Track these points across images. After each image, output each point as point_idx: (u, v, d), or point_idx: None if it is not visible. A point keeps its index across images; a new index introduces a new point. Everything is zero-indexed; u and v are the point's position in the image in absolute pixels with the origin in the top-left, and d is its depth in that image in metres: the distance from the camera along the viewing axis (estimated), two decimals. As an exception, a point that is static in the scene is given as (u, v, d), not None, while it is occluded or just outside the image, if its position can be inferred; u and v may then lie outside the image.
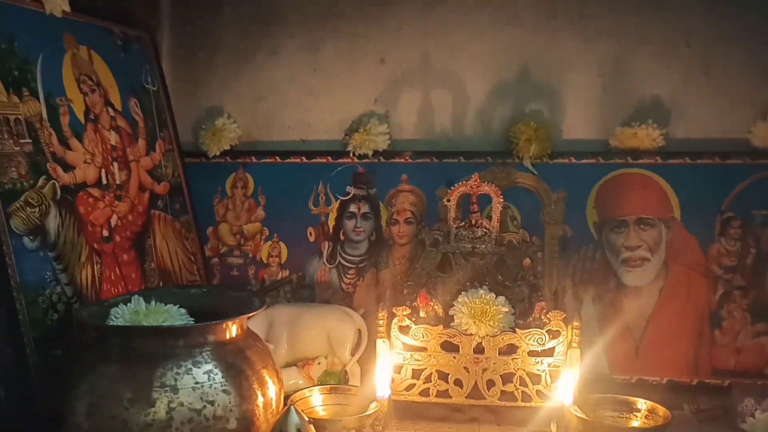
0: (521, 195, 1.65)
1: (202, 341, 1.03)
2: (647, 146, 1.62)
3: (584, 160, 1.64)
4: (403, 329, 1.35)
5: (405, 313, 1.35)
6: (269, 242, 1.74)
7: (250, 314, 1.09)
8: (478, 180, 1.49)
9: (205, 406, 0.99)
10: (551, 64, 1.69)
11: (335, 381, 1.46)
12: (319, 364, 1.48)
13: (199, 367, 1.01)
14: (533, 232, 1.62)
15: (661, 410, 1.19)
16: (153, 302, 1.13)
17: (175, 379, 0.99)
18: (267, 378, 1.09)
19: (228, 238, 1.75)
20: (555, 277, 1.62)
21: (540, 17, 1.68)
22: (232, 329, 1.07)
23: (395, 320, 1.35)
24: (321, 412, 1.26)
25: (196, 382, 1.00)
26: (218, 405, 1.00)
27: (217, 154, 1.74)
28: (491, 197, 1.49)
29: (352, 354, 1.48)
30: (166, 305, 1.12)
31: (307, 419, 1.01)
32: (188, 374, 1.00)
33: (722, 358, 1.56)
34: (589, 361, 1.56)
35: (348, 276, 1.71)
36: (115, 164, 1.37)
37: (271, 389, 1.09)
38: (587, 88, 1.68)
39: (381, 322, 1.35)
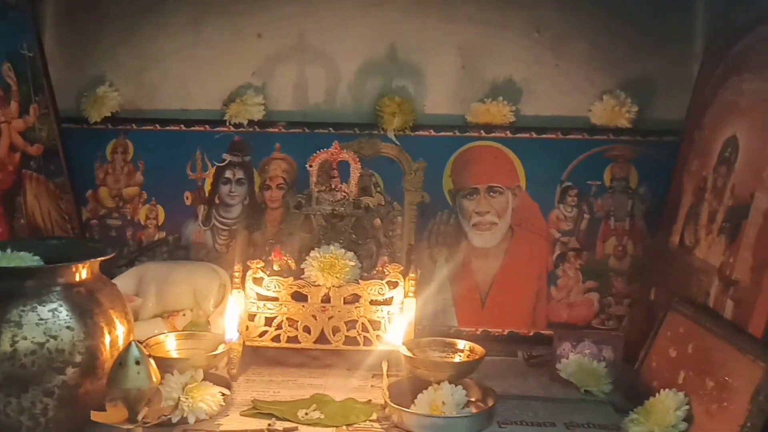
0: (385, 164, 1.79)
1: (49, 282, 1.12)
2: (499, 121, 1.77)
3: (443, 133, 1.78)
4: (257, 281, 1.46)
5: (259, 266, 1.46)
6: (147, 205, 1.82)
7: (98, 259, 1.18)
8: (338, 147, 1.60)
9: (48, 340, 1.08)
10: (417, 45, 1.82)
11: (200, 330, 1.56)
12: (184, 315, 1.58)
13: (44, 306, 1.10)
14: (395, 198, 1.77)
15: (478, 349, 1.34)
16: (8, 250, 1.21)
17: (20, 316, 1.07)
18: (115, 318, 1.18)
19: (107, 201, 1.82)
20: (413, 239, 1.76)
21: (408, 1, 1.81)
22: (81, 272, 1.16)
23: (250, 273, 1.46)
24: (175, 354, 1.37)
25: (40, 319, 1.09)
26: (62, 340, 1.09)
27: (98, 120, 1.80)
28: (350, 164, 1.61)
29: (216, 306, 1.59)
30: (21, 253, 1.20)
31: (147, 354, 1.11)
32: (33, 311, 1.09)
33: (557, 311, 1.73)
34: (441, 315, 1.73)
35: (222, 237, 1.81)
36: (-16, 123, 1.43)
37: (119, 329, 1.19)
38: (448, 67, 1.82)
39: (237, 274, 1.45)
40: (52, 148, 1.67)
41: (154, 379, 1.10)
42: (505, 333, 1.73)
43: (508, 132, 1.77)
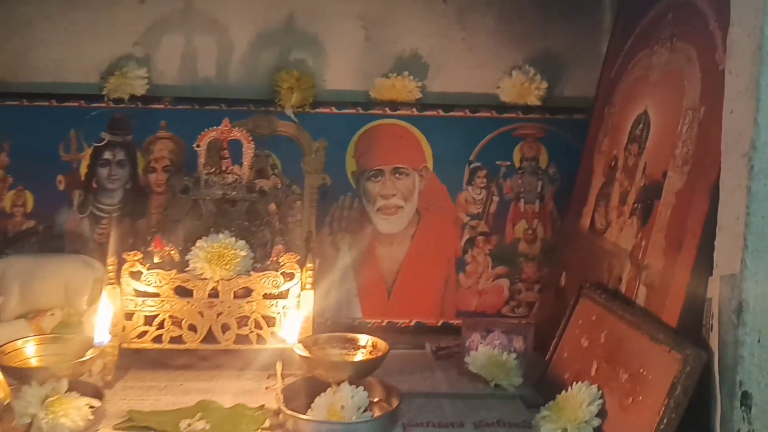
0: (283, 144, 1.65)
1: None
2: (404, 98, 1.66)
3: (345, 110, 1.66)
4: (135, 275, 1.30)
5: (136, 258, 1.30)
6: (13, 191, 1.62)
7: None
8: (229, 125, 1.46)
9: None
10: (317, 15, 1.69)
11: (71, 332, 1.38)
12: (52, 315, 1.40)
13: None
14: (294, 180, 1.63)
15: (381, 345, 1.23)
16: None
17: None
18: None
19: (-34, 187, 1.61)
20: (313, 225, 1.63)
21: (307, -34, 1.67)
22: None
23: (126, 265, 1.30)
24: (35, 362, 1.19)
25: None
26: None
27: (-47, 95, 1.59)
28: (243, 143, 1.46)
29: (90, 304, 1.42)
30: None
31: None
32: None
33: (466, 299, 1.65)
34: (345, 307, 1.61)
35: (101, 226, 1.63)
36: None
37: (-41, 336, 1.01)
38: (351, 39, 1.70)
39: (110, 267, 1.29)
40: None
41: (1, 395, 0.94)
42: (412, 324, 1.64)
43: (414, 109, 1.67)
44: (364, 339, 1.26)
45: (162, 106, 1.64)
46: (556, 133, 1.67)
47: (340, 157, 1.66)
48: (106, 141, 1.63)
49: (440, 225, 1.65)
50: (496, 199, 1.66)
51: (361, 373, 1.18)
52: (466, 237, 1.65)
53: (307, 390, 1.20)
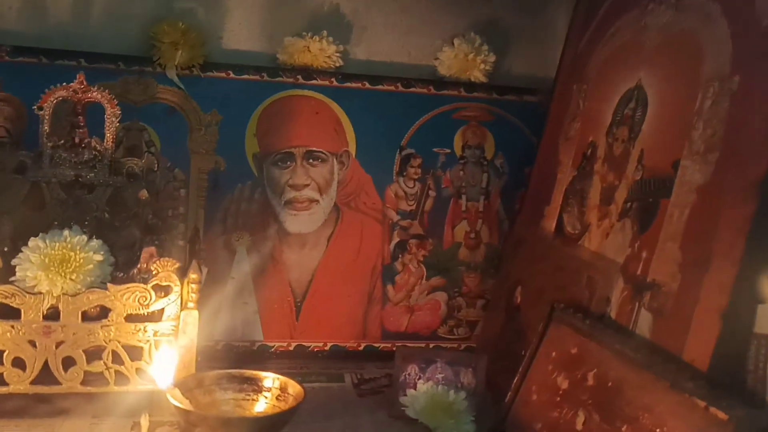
0: (163, 115, 1.27)
1: None
2: (321, 64, 1.33)
3: (245, 76, 1.31)
4: (-71, 286, 0.90)
5: (-66, 263, 0.90)
6: None
7: None
8: (85, 82, 1.07)
9: None
10: (212, -48, 1.32)
11: None
12: None
13: None
14: (177, 163, 1.25)
15: (293, 387, 0.90)
16: None
17: None
18: None
19: None
20: (201, 222, 1.27)
21: None
22: None
23: None
24: None
25: None
26: None
27: None
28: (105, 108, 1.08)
29: None
30: None
31: None
32: None
33: (394, 317, 1.34)
34: (241, 328, 1.26)
35: None
36: None
37: None
38: (257, -12, 1.34)
39: None
40: None
41: None
42: (327, 348, 1.30)
43: (333, 79, 1.33)
44: (269, 379, 0.92)
45: (-4, 58, 1.22)
46: (504, 117, 1.38)
47: (238, 135, 1.30)
48: None
49: (364, 224, 1.33)
50: (432, 194, 1.35)
51: None
52: (395, 240, 1.34)
53: (184, 454, 0.84)
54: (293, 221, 1.30)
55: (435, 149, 1.36)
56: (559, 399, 0.92)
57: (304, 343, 1.29)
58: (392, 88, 1.35)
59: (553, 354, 0.97)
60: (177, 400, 0.83)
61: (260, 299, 1.28)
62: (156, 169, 1.14)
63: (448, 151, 1.36)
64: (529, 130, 1.37)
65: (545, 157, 1.25)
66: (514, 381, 1.01)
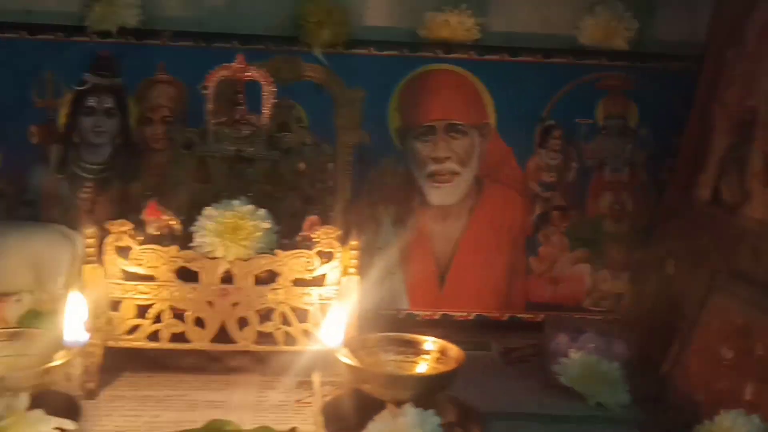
0: (310, 92, 1.33)
1: None
2: (461, 38, 1.34)
3: (387, 52, 1.34)
4: (123, 251, 0.98)
5: (124, 229, 0.98)
6: (-26, 143, 1.29)
7: None
8: (244, 62, 1.13)
9: None
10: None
11: (44, 324, 1.06)
12: (19, 301, 1.09)
13: None
14: (324, 138, 1.30)
15: (453, 350, 0.92)
16: None
17: None
18: None
19: None
20: (348, 193, 1.31)
21: None
22: None
23: (110, 239, 0.98)
24: (-14, 368, 0.88)
25: None
26: None
27: None
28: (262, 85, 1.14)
29: (68, 288, 1.10)
30: None
31: None
32: None
33: (537, 289, 1.34)
34: (386, 295, 1.30)
35: (85, 189, 1.30)
36: None
37: None
38: (395, -36, 1.36)
39: (90, 241, 0.97)
40: None
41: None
42: (472, 318, 1.32)
43: (473, 52, 1.34)
44: (429, 342, 0.95)
45: (159, 42, 1.31)
46: (648, 85, 1.35)
47: (380, 109, 1.33)
48: (90, 84, 1.29)
49: (505, 196, 1.33)
50: (574, 165, 1.34)
51: (428, 391, 0.87)
52: (537, 212, 1.34)
53: (355, 409, 0.88)
54: (436, 193, 1.33)
55: (577, 120, 1.34)
56: (723, 370, 0.90)
57: (448, 313, 1.32)
58: (532, 59, 1.35)
59: (716, 324, 0.95)
60: (348, 359, 0.88)
61: (405, 269, 1.31)
62: (309, 143, 1.19)
63: (590, 121, 1.34)
64: (674, 97, 1.32)
65: (697, 124, 1.20)
66: (672, 352, 1.00)
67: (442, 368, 0.91)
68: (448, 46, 1.34)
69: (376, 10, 1.37)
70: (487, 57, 1.34)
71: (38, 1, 1.33)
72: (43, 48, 1.29)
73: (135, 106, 1.31)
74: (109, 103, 1.30)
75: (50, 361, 0.85)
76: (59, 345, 0.87)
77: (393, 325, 1.26)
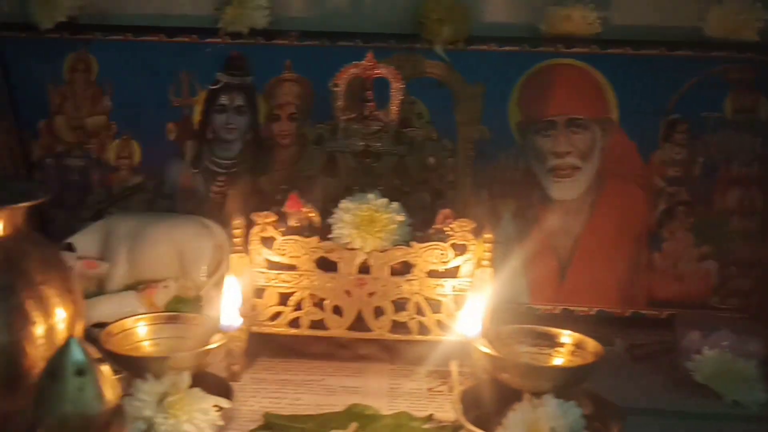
0: (431, 88, 1.35)
1: (-64, 242, 0.69)
2: (582, 32, 1.33)
3: (507, 47, 1.34)
4: (267, 241, 1.04)
5: (269, 220, 1.03)
6: (118, 140, 1.38)
7: (21, 205, 0.75)
8: (373, 60, 1.17)
9: (-69, 336, 0.66)
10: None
11: (187, 309, 1.13)
12: (166, 287, 1.16)
13: (-75, 279, 0.67)
14: (444, 133, 1.33)
15: (591, 344, 0.93)
16: None
17: None
18: (50, 299, 0.76)
19: (66, 134, 1.38)
20: (468, 188, 1.33)
21: None
22: (-8, 227, 0.73)
23: (256, 230, 1.03)
24: (149, 348, 0.95)
25: None
26: (-44, 335, 0.67)
27: (51, 27, 1.35)
28: (390, 82, 1.18)
29: (210, 276, 1.17)
30: None
31: (95, 357, 0.70)
32: None
33: (661, 285, 1.32)
34: (507, 289, 1.31)
35: (217, 183, 1.38)
36: None
37: (58, 315, 0.76)
38: (515, -41, 1.37)
39: (237, 231, 1.03)
40: (-18, 57, 1.21)
41: (108, 397, 0.69)
42: (593, 312, 1.32)
43: (595, 46, 1.33)
44: (564, 335, 0.96)
45: (286, 42, 1.36)
46: (779, 77, 1.30)
47: (500, 105, 1.34)
48: (222, 83, 1.36)
49: (628, 191, 1.32)
50: (700, 159, 1.31)
51: (567, 383, 0.88)
52: (661, 207, 1.32)
53: (491, 399, 0.90)
54: (556, 188, 1.33)
55: (702, 113, 1.31)
56: None
57: (569, 307, 1.32)
58: (656, 52, 1.32)
59: None
60: (487, 348, 0.90)
61: (526, 263, 1.32)
62: (434, 138, 1.22)
63: (717, 115, 1.31)
64: (809, 90, 1.28)
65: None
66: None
67: (579, 361, 0.91)
68: (569, 40, 1.33)
69: (496, 6, 1.38)
70: (610, 51, 1.33)
71: (174, 6, 1.40)
72: (180, 49, 1.36)
73: (264, 104, 1.37)
74: (239, 101, 1.36)
75: (207, 344, 0.91)
76: (216, 329, 0.93)
77: (513, 318, 1.28)
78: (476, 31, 1.35)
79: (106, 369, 0.71)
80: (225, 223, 1.29)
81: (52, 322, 0.76)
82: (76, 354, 0.68)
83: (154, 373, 0.85)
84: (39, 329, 0.74)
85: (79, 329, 0.80)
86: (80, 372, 0.68)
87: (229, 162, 1.37)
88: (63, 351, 0.68)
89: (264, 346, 1.11)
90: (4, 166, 1.25)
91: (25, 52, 1.36)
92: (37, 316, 0.74)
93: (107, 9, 1.40)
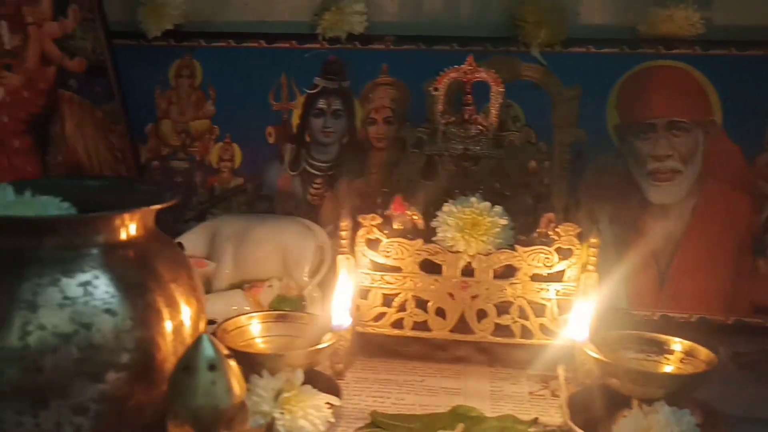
0: (527, 91, 1.35)
1: (80, 243, 0.74)
2: (684, 33, 1.30)
3: (605, 49, 1.33)
4: (372, 243, 1.06)
5: (375, 223, 1.06)
6: (220, 143, 1.44)
7: (153, 207, 0.79)
8: (474, 64, 1.18)
9: (77, 331, 0.70)
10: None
11: (290, 308, 1.17)
12: (270, 287, 1.20)
13: (71, 277, 0.71)
14: (541, 136, 1.34)
15: (703, 352, 0.92)
16: (27, 193, 0.83)
17: (35, 293, 0.69)
18: (178, 296, 0.80)
19: (171, 138, 1.45)
20: (565, 192, 1.32)
21: None
22: (129, 227, 0.78)
23: (362, 232, 1.06)
24: (261, 345, 0.98)
25: (66, 298, 0.70)
26: (98, 330, 0.71)
27: (158, 35, 1.41)
28: (489, 87, 1.18)
29: (312, 276, 1.20)
30: (43, 197, 0.82)
31: (226, 352, 0.73)
32: (54, 286, 0.70)
33: (765, 293, 1.28)
34: (605, 293, 1.29)
35: (314, 185, 1.41)
36: (3, 23, 1.05)
37: (185, 312, 0.80)
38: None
39: (343, 233, 1.05)
40: (98, 65, 1.28)
41: (237, 391, 0.72)
42: (694, 319, 1.29)
43: (697, 48, 1.30)
44: (674, 342, 0.94)
45: (382, 47, 1.38)
46: None
47: (598, 107, 1.33)
48: (320, 87, 1.40)
49: (731, 195, 1.29)
50: (809, 163, 1.27)
51: (679, 391, 0.87)
52: (766, 212, 1.28)
53: (598, 405, 0.90)
54: (655, 192, 1.31)
55: (812, 115, 1.27)
56: None
57: (668, 314, 1.30)
58: (761, 52, 1.28)
59: None
60: (595, 353, 0.89)
61: (623, 268, 1.30)
62: (534, 141, 1.22)
63: (829, 117, 1.27)
64: None
65: None
66: None
67: (691, 369, 0.90)
68: (669, 41, 1.31)
69: (593, 8, 1.37)
70: (712, 52, 1.30)
71: (274, 13, 1.45)
72: (279, 55, 1.41)
73: (360, 108, 1.40)
74: (337, 105, 1.39)
75: (317, 343, 0.94)
76: (324, 328, 0.96)
77: (610, 324, 1.26)
78: (573, 33, 1.34)
79: (233, 364, 0.74)
80: (321, 224, 1.33)
81: (180, 319, 0.79)
82: (208, 349, 0.71)
83: (269, 369, 0.88)
84: (168, 325, 0.78)
85: (202, 326, 0.84)
86: (212, 367, 0.71)
87: (326, 165, 1.40)
88: (196, 346, 0.72)
89: (362, 347, 1.13)
90: (119, 169, 1.32)
91: (134, 59, 1.42)
92: (167, 313, 0.78)
93: (210, 17, 1.46)
